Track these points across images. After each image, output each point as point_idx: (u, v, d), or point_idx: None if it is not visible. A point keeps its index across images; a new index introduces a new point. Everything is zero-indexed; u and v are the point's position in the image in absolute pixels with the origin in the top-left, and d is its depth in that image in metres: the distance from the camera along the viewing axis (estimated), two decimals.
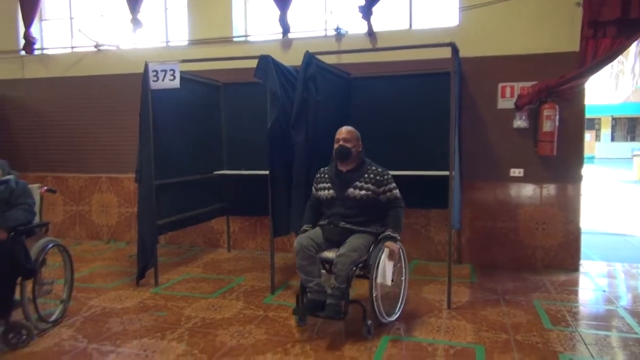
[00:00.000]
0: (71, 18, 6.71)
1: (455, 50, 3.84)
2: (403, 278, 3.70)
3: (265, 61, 4.03)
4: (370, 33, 5.32)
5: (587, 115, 5.11)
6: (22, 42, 6.60)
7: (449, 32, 4.95)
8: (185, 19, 6.05)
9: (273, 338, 3.28)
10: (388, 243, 3.36)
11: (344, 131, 3.53)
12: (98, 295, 4.20)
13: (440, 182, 4.41)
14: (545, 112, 4.75)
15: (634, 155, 16.64)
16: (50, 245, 3.47)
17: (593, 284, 4.57)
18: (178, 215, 4.88)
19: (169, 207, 4.72)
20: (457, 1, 5.14)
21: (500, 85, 5.01)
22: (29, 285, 3.24)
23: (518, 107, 4.91)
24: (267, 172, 4.13)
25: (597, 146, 26.43)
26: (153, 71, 4.28)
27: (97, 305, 3.95)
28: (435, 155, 4.68)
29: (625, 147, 26.21)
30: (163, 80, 4.29)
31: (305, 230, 3.50)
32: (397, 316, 3.57)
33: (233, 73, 5.45)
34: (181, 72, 4.32)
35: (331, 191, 3.48)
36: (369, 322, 3.25)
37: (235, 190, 5.60)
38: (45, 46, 6.79)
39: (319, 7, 5.78)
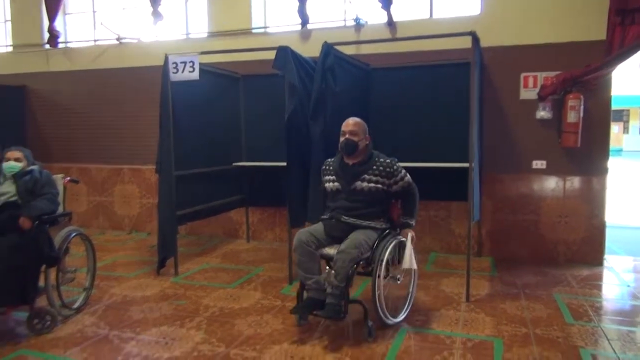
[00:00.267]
0: (94, 11, 6.81)
1: (475, 39, 3.76)
2: (413, 276, 3.56)
3: (284, 52, 4.03)
4: (390, 23, 5.26)
5: (615, 107, 4.98)
6: (46, 35, 6.74)
7: (470, 21, 4.86)
8: (205, 10, 6.08)
9: (290, 328, 3.29)
10: (406, 231, 3.34)
11: (351, 123, 3.37)
12: (119, 284, 4.29)
13: (460, 174, 4.36)
14: (570, 103, 4.63)
15: None
16: (73, 234, 3.55)
17: (617, 278, 4.46)
18: (197, 206, 4.93)
19: (189, 198, 4.77)
20: None
21: (523, 75, 4.90)
22: (52, 273, 3.32)
23: (541, 98, 4.80)
24: (285, 164, 4.13)
25: (625, 138, 25.73)
26: (173, 63, 4.31)
27: (118, 294, 4.03)
28: (456, 147, 4.63)
29: None
30: (183, 72, 4.32)
31: (324, 219, 3.39)
32: (403, 317, 3.41)
33: (252, 65, 5.47)
34: (201, 64, 4.34)
35: (336, 184, 3.36)
36: (370, 323, 3.11)
37: (254, 181, 5.63)
38: (69, 39, 6.91)
39: None
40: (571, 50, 4.73)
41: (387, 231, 3.36)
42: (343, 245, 3.10)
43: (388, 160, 3.36)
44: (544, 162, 4.92)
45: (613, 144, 5.17)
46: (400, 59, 5.12)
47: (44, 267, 3.22)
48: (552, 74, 4.75)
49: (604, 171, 4.80)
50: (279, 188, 4.65)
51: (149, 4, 6.13)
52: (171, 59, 4.32)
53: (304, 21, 5.60)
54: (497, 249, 5.11)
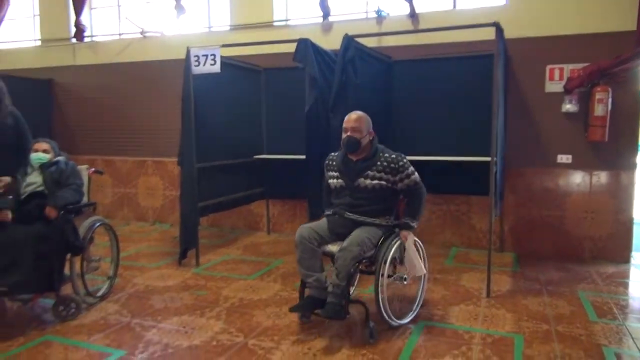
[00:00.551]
0: (119, 6, 6.91)
1: (499, 30, 3.69)
2: (422, 277, 3.39)
3: (304, 44, 4.02)
4: (412, 14, 5.20)
5: None
6: (73, 30, 6.87)
7: (495, 12, 4.77)
8: (227, 4, 6.10)
9: (308, 320, 3.30)
10: (404, 233, 3.13)
11: (353, 119, 3.18)
12: (142, 274, 4.37)
13: (482, 168, 4.30)
14: (597, 96, 4.51)
15: None
16: (98, 224, 3.63)
17: None
18: (219, 198, 4.98)
19: (210, 190, 4.82)
20: None
21: (549, 67, 4.79)
22: (77, 261, 3.41)
23: (567, 91, 4.68)
24: (304, 157, 4.14)
25: None
26: (194, 56, 4.35)
27: (141, 283, 4.11)
28: (478, 140, 4.56)
29: None
30: (204, 65, 4.35)
31: (328, 215, 3.27)
32: (410, 319, 3.26)
33: (274, 58, 5.48)
34: (222, 57, 4.37)
35: (340, 180, 3.21)
36: (372, 324, 2.99)
37: (275, 174, 5.65)
38: (94, 34, 7.03)
39: None
40: (599, 41, 4.60)
41: (394, 229, 3.21)
42: (345, 243, 2.99)
43: (393, 156, 3.18)
44: (570, 157, 4.81)
45: None
46: (423, 51, 5.06)
47: (69, 255, 3.31)
48: (579, 66, 4.63)
49: (632, 166, 4.66)
50: (300, 181, 4.65)
51: None
52: (193, 52, 4.36)
53: (326, 13, 5.58)
54: (519, 245, 5.03)
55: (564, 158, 4.84)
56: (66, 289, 3.39)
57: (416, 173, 3.20)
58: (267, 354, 2.84)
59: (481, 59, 4.64)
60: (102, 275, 3.85)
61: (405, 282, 3.19)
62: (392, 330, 3.12)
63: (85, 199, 3.63)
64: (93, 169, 3.82)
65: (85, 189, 3.64)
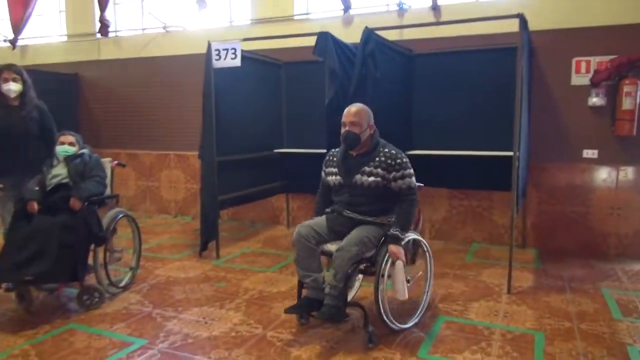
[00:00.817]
0: (142, 1, 6.99)
1: (523, 22, 3.61)
2: (428, 278, 3.28)
3: (324, 38, 4.01)
4: (435, 7, 5.13)
5: None
6: (97, 25, 6.98)
7: (519, 3, 4.66)
8: None
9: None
10: (392, 248, 2.83)
11: (352, 112, 2.99)
12: (164, 265, 4.44)
13: (504, 163, 4.22)
14: (625, 89, 4.39)
15: None
16: (120, 216, 3.69)
17: None
18: (239, 192, 5.03)
19: (230, 184, 4.85)
20: None
21: (575, 60, 4.68)
22: (101, 252, 3.48)
23: (594, 84, 4.57)
24: (325, 150, 4.12)
25: None
26: (215, 50, 4.37)
27: (162, 274, 4.18)
28: (501, 134, 4.48)
29: None
30: (225, 59, 4.37)
31: (327, 212, 3.11)
32: (415, 322, 3.10)
33: (294, 52, 5.47)
34: (243, 51, 4.38)
35: (338, 177, 3.04)
36: (371, 328, 2.84)
37: (295, 168, 5.66)
38: (118, 29, 7.14)
39: None
40: (627, 33, 4.46)
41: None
42: (343, 242, 2.83)
43: (393, 152, 2.97)
44: (595, 152, 4.70)
45: None
46: (445, 44, 4.99)
47: (93, 246, 3.38)
48: (607, 58, 4.50)
49: None
50: (319, 175, 4.64)
51: None
52: (214, 46, 4.38)
53: (347, 6, 5.55)
54: (542, 241, 4.94)
55: (589, 153, 4.72)
56: (90, 279, 3.47)
57: (413, 178, 2.97)
58: (285, 346, 2.86)
59: (504, 52, 4.55)
60: (124, 266, 3.94)
61: (408, 284, 2.99)
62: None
63: (108, 191, 3.70)
64: (116, 162, 3.88)
65: (108, 181, 3.70)
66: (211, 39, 4.50)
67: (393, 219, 2.94)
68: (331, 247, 2.96)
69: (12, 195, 3.62)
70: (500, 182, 4.52)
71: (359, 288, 3.54)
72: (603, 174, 4.71)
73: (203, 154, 4.61)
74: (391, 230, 2.86)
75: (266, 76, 5.44)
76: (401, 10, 5.33)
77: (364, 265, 2.93)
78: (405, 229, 2.91)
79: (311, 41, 4.08)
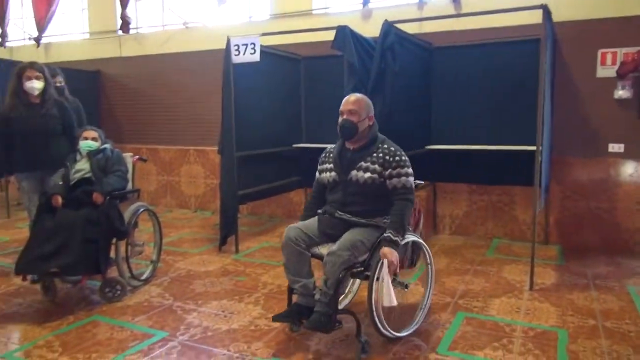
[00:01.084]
0: None
1: (547, 13, 3.53)
2: (429, 282, 3.06)
3: (343, 32, 3.99)
4: None
5: None
6: (119, 22, 7.06)
7: None
8: None
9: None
10: (384, 250, 2.59)
11: (351, 101, 2.83)
12: (184, 259, 4.49)
13: (526, 158, 4.15)
14: None
15: None
16: (141, 210, 3.74)
17: None
18: (258, 187, 5.05)
19: (249, 179, 4.88)
20: None
21: (600, 51, 4.56)
22: (122, 246, 3.52)
23: (620, 76, 4.45)
24: None
25: None
26: (234, 45, 4.38)
27: (183, 268, 4.22)
28: (523, 129, 4.42)
29: None
30: (244, 54, 4.38)
31: (319, 213, 2.88)
32: (412, 330, 2.90)
33: (313, 46, 5.46)
34: (262, 46, 4.38)
35: (333, 173, 2.86)
36: (364, 338, 2.66)
37: (314, 163, 5.63)
38: (139, 25, 7.22)
39: None
40: None
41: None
42: (335, 246, 2.62)
43: (392, 148, 2.79)
44: (622, 146, 4.58)
45: None
46: (465, 37, 4.92)
47: (114, 240, 3.43)
48: (634, 49, 4.38)
49: None
50: None
51: None
52: (233, 41, 4.39)
53: (366, 0, 5.50)
54: (565, 237, 4.85)
55: (615, 147, 4.61)
56: (112, 272, 3.52)
57: (411, 178, 2.77)
58: (304, 340, 2.86)
59: (527, 44, 4.48)
60: (145, 259, 3.99)
61: (406, 289, 2.81)
62: (431, 319, 3.07)
63: (129, 186, 3.75)
64: (137, 157, 3.93)
65: (129, 175, 3.75)
66: (230, 35, 4.51)
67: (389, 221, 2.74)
68: (322, 250, 2.76)
69: (37, 189, 3.70)
70: (521, 177, 4.44)
71: (356, 292, 3.34)
72: (629, 169, 4.59)
73: (222, 149, 4.63)
74: (385, 235, 2.64)
75: (285, 71, 5.44)
76: (421, 3, 5.26)
77: (357, 269, 2.69)
78: (399, 231, 2.66)
79: (330, 35, 4.05)
